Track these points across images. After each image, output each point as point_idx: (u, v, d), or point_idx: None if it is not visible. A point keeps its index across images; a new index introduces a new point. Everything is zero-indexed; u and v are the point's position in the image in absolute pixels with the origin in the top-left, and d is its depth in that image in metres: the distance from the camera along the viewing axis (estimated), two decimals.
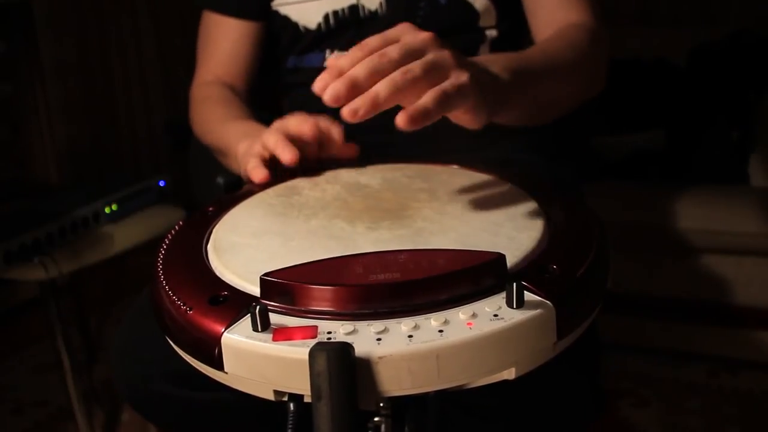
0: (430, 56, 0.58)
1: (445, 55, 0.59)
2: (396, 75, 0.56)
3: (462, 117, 0.60)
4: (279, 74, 1.07)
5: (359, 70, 0.56)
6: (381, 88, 0.55)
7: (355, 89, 0.55)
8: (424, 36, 0.60)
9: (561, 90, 0.82)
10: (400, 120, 0.54)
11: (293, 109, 1.03)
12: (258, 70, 1.05)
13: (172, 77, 2.70)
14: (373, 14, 0.97)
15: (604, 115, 2.00)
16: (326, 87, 0.56)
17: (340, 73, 0.57)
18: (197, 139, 1.04)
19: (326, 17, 0.98)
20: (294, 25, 1.00)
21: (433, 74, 0.57)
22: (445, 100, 0.56)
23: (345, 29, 0.98)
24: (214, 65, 1.04)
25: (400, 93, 0.55)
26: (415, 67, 0.57)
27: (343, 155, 0.79)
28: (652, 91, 2.06)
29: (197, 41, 1.07)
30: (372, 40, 0.60)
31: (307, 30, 1.00)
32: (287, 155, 0.73)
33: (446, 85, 0.57)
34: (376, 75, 0.56)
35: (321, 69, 0.99)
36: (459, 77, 0.58)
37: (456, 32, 0.98)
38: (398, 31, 0.61)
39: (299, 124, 0.76)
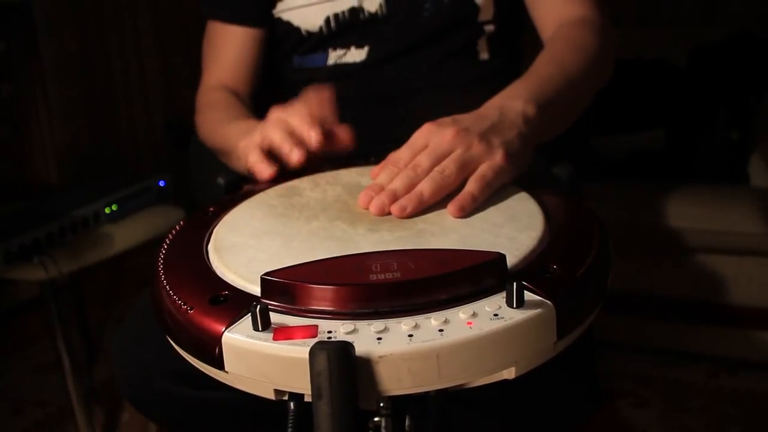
0: (459, 152, 0.64)
1: (473, 145, 0.64)
2: (435, 175, 0.63)
3: None
4: (282, 73, 1.09)
5: (397, 184, 0.63)
6: (424, 187, 0.62)
7: (396, 200, 0.62)
8: (448, 134, 0.65)
9: (578, 95, 0.85)
10: (452, 210, 0.61)
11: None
12: (261, 74, 1.08)
13: (172, 77, 2.70)
14: (373, 16, 0.98)
15: (604, 115, 2.00)
16: (370, 201, 0.62)
17: (381, 189, 0.63)
18: (197, 139, 1.05)
19: (327, 20, 1.00)
20: (296, 30, 1.02)
21: (466, 167, 0.64)
22: (488, 185, 0.63)
23: (346, 30, 1.00)
24: (219, 71, 1.06)
25: (441, 190, 0.62)
26: (449, 165, 0.63)
27: (343, 149, 0.77)
28: (652, 91, 2.06)
29: (202, 49, 1.10)
30: (402, 154, 0.66)
31: (309, 33, 1.02)
32: (295, 156, 0.71)
33: (486, 171, 0.63)
34: (413, 186, 0.62)
35: (323, 68, 1.02)
36: (494, 160, 0.65)
37: (456, 29, 0.99)
38: (423, 136, 0.66)
39: (304, 125, 0.73)
